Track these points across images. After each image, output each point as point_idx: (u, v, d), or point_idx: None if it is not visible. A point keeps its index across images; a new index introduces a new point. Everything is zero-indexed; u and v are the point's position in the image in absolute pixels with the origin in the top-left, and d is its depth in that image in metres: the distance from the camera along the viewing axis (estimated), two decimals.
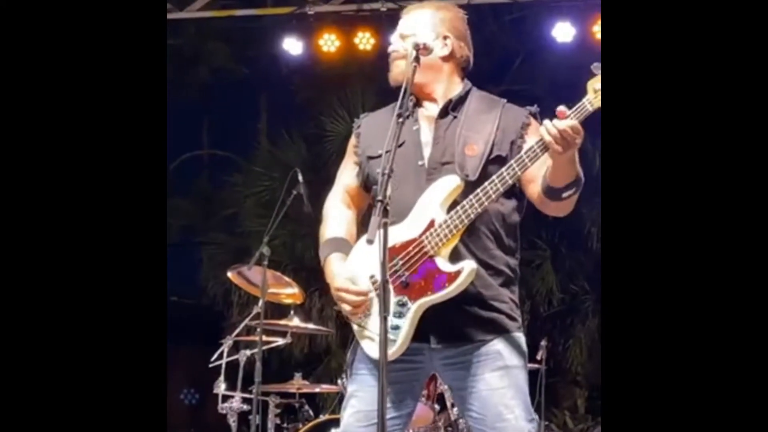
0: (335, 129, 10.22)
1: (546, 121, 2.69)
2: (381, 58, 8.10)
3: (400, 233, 2.85)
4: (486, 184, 2.78)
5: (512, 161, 2.79)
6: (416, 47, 2.88)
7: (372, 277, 2.87)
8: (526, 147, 2.84)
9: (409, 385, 2.95)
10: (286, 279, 5.81)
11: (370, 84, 9.90)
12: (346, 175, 3.16)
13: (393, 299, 2.82)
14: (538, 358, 6.73)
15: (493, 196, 2.78)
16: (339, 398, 6.47)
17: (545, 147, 2.69)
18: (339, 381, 5.82)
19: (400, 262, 2.83)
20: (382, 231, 2.55)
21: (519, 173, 2.77)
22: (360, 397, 2.94)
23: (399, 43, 3.14)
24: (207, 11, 7.88)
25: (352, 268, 2.92)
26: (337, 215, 3.11)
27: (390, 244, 2.78)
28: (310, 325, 6.69)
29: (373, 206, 3.01)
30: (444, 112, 3.00)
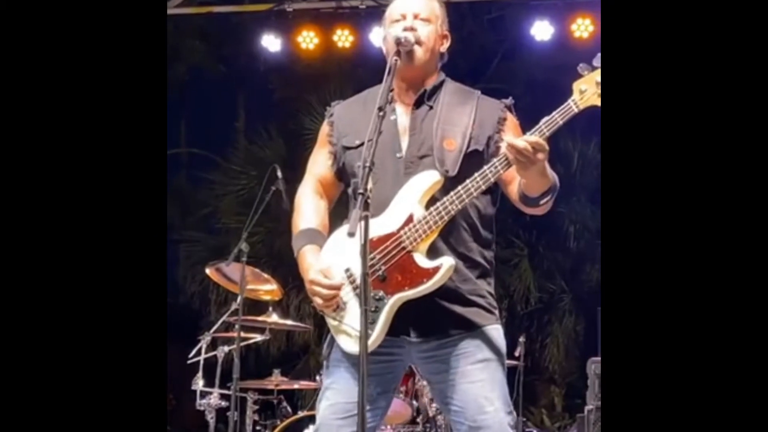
0: (314, 126, 10.19)
1: (507, 139, 2.71)
2: (360, 55, 8.15)
3: (377, 227, 2.83)
4: (468, 181, 2.78)
5: (495, 160, 2.79)
6: (398, 42, 2.86)
7: (347, 270, 2.87)
8: (503, 143, 2.84)
9: (385, 378, 2.95)
10: (265, 275, 5.79)
11: (349, 81, 9.89)
12: (319, 165, 3.12)
13: (369, 293, 2.79)
14: (516, 354, 6.76)
15: (474, 194, 2.79)
16: (317, 395, 6.46)
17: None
18: (318, 377, 5.81)
19: (378, 256, 2.82)
20: (362, 224, 2.54)
21: (501, 171, 2.78)
22: (335, 389, 2.93)
23: (418, 25, 2.99)
24: (185, 8, 7.85)
25: (327, 261, 2.90)
26: (309, 205, 3.08)
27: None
28: (289, 322, 6.70)
29: (350, 197, 3.02)
30: (419, 102, 2.99)
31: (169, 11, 7.50)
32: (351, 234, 2.51)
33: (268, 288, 5.82)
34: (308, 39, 7.93)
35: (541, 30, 7.44)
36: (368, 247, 2.68)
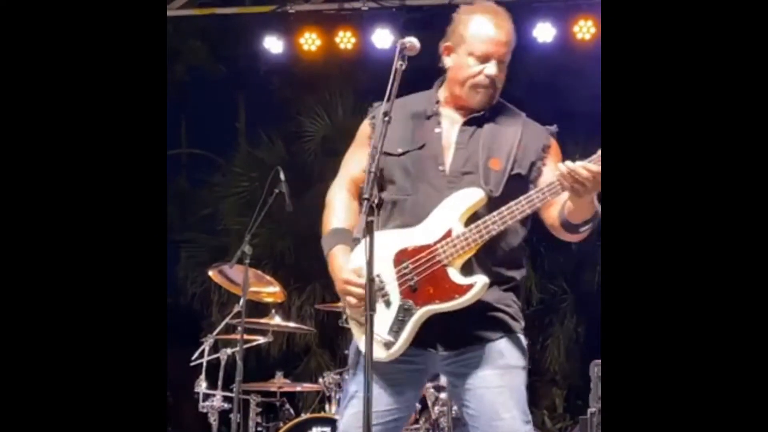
0: (314, 129, 10.21)
1: (562, 167, 2.70)
2: (362, 57, 8.15)
3: (413, 237, 2.85)
4: (512, 204, 2.78)
5: (545, 187, 2.79)
6: (402, 46, 2.85)
7: (378, 276, 2.84)
8: (546, 171, 2.89)
9: (409, 386, 2.95)
10: (268, 278, 5.80)
11: (351, 83, 9.90)
12: (356, 165, 3.07)
13: (398, 302, 2.83)
14: None
15: (518, 217, 2.79)
16: (319, 397, 6.46)
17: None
18: (320, 380, 5.82)
19: (411, 266, 2.83)
20: (367, 229, 2.55)
21: (548, 199, 2.79)
22: (360, 397, 2.88)
23: (491, 68, 2.95)
24: (187, 9, 7.84)
25: (358, 262, 2.88)
26: (341, 205, 3.05)
27: (402, 246, 2.85)
28: (292, 324, 6.70)
29: (383, 204, 2.99)
30: (471, 121, 2.98)
31: (171, 12, 7.50)
32: (356, 240, 2.51)
33: (270, 290, 5.83)
34: (310, 41, 7.92)
35: (543, 32, 7.42)
36: (398, 256, 2.79)
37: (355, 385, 2.96)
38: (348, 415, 2.93)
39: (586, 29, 7.36)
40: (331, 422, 5.35)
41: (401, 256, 2.85)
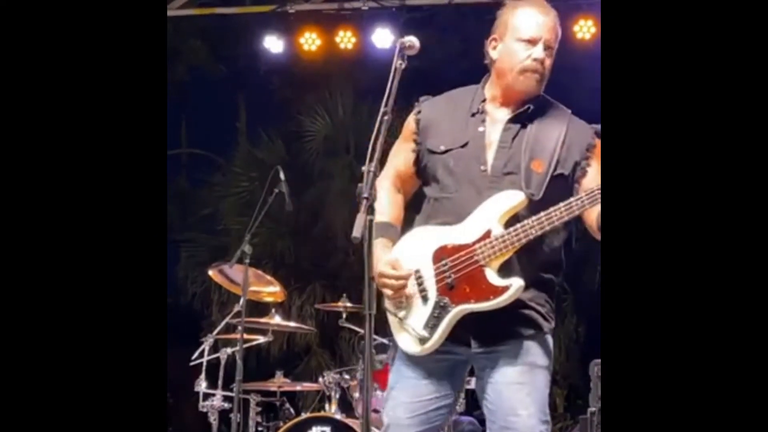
0: (314, 128, 10.21)
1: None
2: (362, 56, 8.15)
3: (453, 235, 2.88)
4: (552, 210, 2.78)
5: (584, 195, 2.78)
6: (402, 45, 2.85)
7: (417, 272, 2.90)
8: (590, 171, 2.90)
9: (448, 376, 2.98)
10: (268, 277, 5.81)
11: (351, 83, 9.90)
12: (400, 159, 3.11)
13: (434, 298, 2.87)
14: None
15: (557, 223, 2.79)
16: (319, 397, 6.46)
17: None
18: (320, 379, 5.82)
19: (449, 264, 2.86)
20: (366, 227, 2.55)
21: (587, 206, 2.78)
22: (399, 389, 2.99)
23: (546, 56, 2.98)
24: (187, 9, 7.84)
25: (396, 254, 2.93)
26: (385, 197, 3.05)
27: (441, 244, 2.89)
28: (292, 323, 6.70)
29: (426, 200, 3.03)
30: (515, 119, 2.97)
31: (171, 12, 7.50)
32: (355, 238, 2.52)
33: (270, 290, 5.83)
34: (310, 40, 7.93)
35: None
36: (437, 253, 2.85)
37: (393, 378, 3.03)
38: (390, 407, 2.99)
39: (586, 29, 7.35)
40: (331, 421, 5.36)
41: (441, 254, 2.89)
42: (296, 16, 7.77)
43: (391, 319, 2.97)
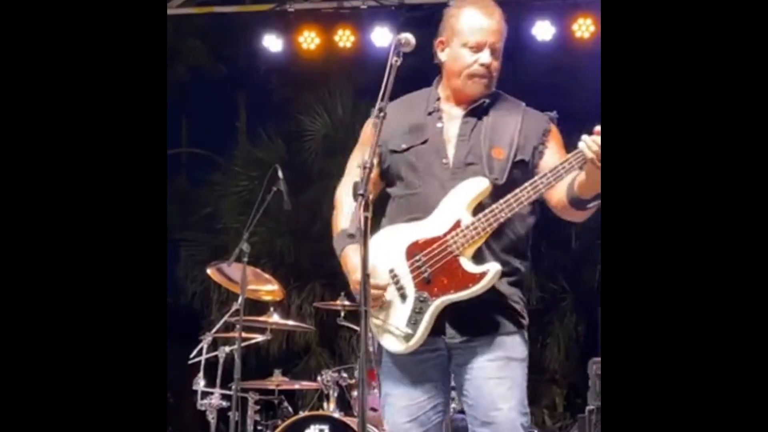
0: (314, 127, 10.20)
1: (585, 137, 2.72)
2: (361, 55, 8.15)
3: (423, 230, 2.91)
4: (518, 190, 2.83)
5: (548, 172, 2.83)
6: (398, 42, 2.85)
7: (392, 271, 2.92)
8: (548, 154, 2.95)
9: (438, 372, 2.99)
10: (266, 276, 5.80)
11: (350, 82, 9.89)
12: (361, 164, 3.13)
13: (413, 294, 2.89)
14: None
15: (525, 203, 2.83)
16: (318, 395, 6.46)
17: (583, 160, 2.74)
18: (318, 378, 5.82)
19: (423, 258, 2.89)
20: (363, 225, 2.56)
21: (553, 183, 2.82)
22: (395, 395, 3.01)
23: (494, 60, 3.00)
24: (186, 8, 7.84)
25: (371, 261, 2.88)
26: (350, 205, 3.01)
27: (413, 239, 2.91)
28: (290, 322, 6.70)
29: (391, 199, 3.06)
30: (471, 112, 3.03)
31: (170, 11, 7.49)
32: (351, 235, 2.52)
33: (269, 288, 5.83)
34: (309, 39, 7.92)
35: (543, 30, 7.42)
36: (410, 249, 2.86)
37: (385, 384, 3.05)
38: (389, 414, 3.03)
39: (585, 27, 7.36)
40: (330, 420, 5.35)
41: (413, 249, 2.91)
42: (295, 15, 7.77)
43: (372, 323, 2.97)
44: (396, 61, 2.80)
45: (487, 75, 2.99)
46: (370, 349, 3.16)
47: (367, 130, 3.13)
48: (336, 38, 7.85)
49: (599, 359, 6.46)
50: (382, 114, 2.72)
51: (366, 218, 2.57)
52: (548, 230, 10.02)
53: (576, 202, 2.89)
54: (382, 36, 7.56)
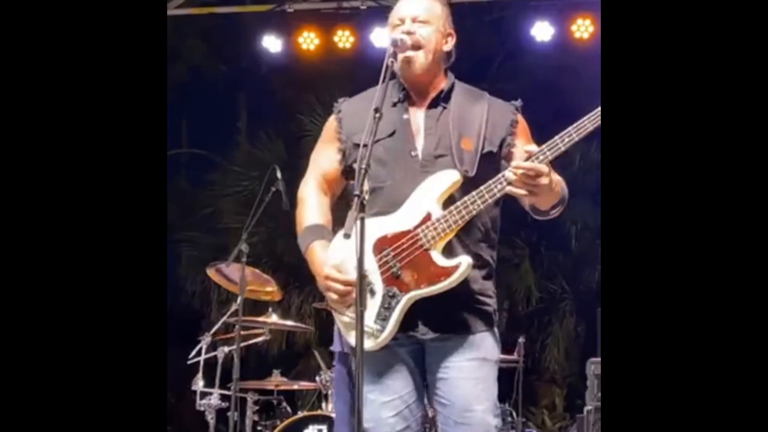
0: (314, 127, 10.18)
1: (508, 171, 2.74)
2: (361, 55, 8.15)
3: (392, 224, 2.86)
4: (490, 182, 2.80)
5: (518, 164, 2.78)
6: (394, 43, 2.86)
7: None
8: (518, 144, 2.93)
9: (417, 366, 2.95)
10: (265, 276, 5.81)
11: (350, 82, 9.86)
12: (324, 160, 3.11)
13: (382, 290, 2.84)
14: (515, 355, 6.74)
15: (498, 195, 2.80)
16: (317, 395, 6.47)
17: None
18: (317, 378, 5.83)
19: (392, 253, 2.84)
20: (358, 225, 2.55)
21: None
22: (375, 391, 2.92)
23: (417, 28, 2.98)
24: (186, 8, 7.85)
25: (339, 257, 2.88)
26: (314, 201, 3.07)
27: (381, 234, 2.86)
28: (289, 322, 6.71)
29: (350, 196, 3.02)
30: (434, 103, 3.00)
31: (170, 12, 7.50)
32: (347, 235, 2.52)
33: (268, 288, 5.84)
34: (309, 40, 7.92)
35: (542, 31, 7.44)
36: (378, 243, 2.78)
37: (365, 384, 2.91)
38: (371, 411, 2.89)
39: (584, 28, 7.37)
40: (328, 420, 5.36)
41: (381, 244, 2.86)
42: (294, 16, 7.78)
43: (339, 320, 2.95)
44: (392, 62, 2.80)
45: (414, 46, 2.93)
46: (346, 350, 3.10)
47: (330, 126, 3.12)
48: (335, 39, 7.85)
49: (598, 359, 6.47)
50: (378, 115, 2.67)
51: (362, 219, 2.55)
52: (547, 230, 10.03)
53: (535, 211, 2.93)
54: (381, 36, 7.55)
